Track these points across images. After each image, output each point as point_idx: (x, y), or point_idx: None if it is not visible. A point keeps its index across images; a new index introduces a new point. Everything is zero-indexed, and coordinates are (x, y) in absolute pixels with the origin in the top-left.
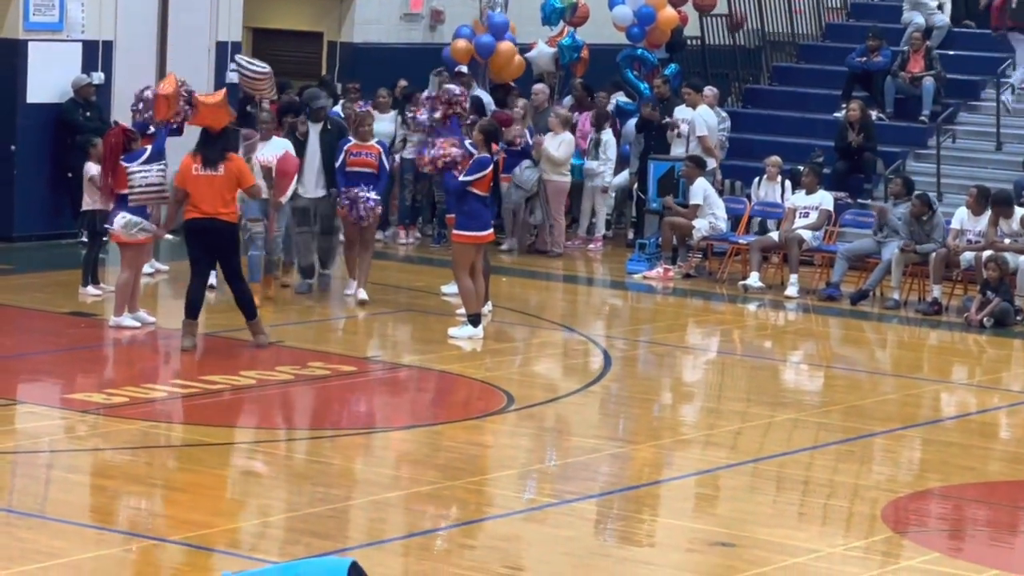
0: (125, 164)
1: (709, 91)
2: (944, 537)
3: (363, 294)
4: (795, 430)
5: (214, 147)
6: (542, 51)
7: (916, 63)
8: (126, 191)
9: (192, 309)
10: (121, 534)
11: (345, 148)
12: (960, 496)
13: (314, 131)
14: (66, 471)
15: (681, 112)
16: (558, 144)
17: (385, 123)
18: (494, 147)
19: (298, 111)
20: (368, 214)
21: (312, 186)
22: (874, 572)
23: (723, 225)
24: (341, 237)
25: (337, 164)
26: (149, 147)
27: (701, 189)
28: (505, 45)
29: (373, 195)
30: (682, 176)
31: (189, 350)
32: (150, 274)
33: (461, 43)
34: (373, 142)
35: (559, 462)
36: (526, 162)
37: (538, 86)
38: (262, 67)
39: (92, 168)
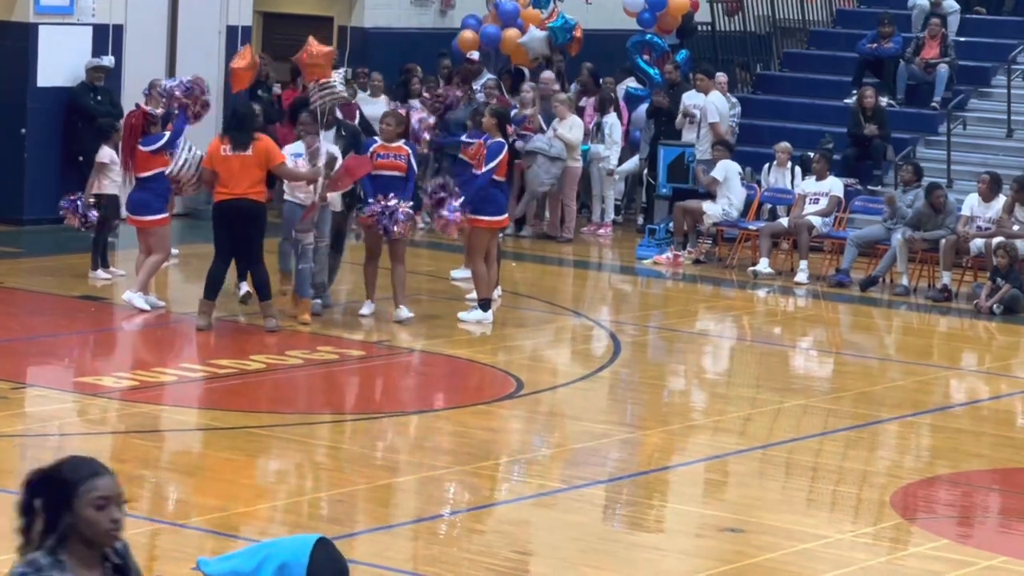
0: (141, 147)
1: (720, 76)
2: (953, 524)
3: (405, 312)
4: (804, 416)
5: (242, 128)
6: (534, 35)
7: (931, 49)
8: (144, 174)
9: (211, 290)
10: (131, 518)
11: (371, 150)
12: (969, 483)
13: (328, 136)
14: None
15: (692, 98)
16: (569, 128)
17: (379, 107)
18: (509, 130)
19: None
20: (402, 229)
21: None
22: (883, 558)
23: (736, 212)
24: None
25: None
26: (168, 133)
27: (724, 168)
28: (513, 32)
29: (407, 207)
30: (713, 158)
31: (204, 330)
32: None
33: (468, 34)
34: (401, 143)
35: (568, 447)
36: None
37: (546, 73)
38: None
39: (105, 153)
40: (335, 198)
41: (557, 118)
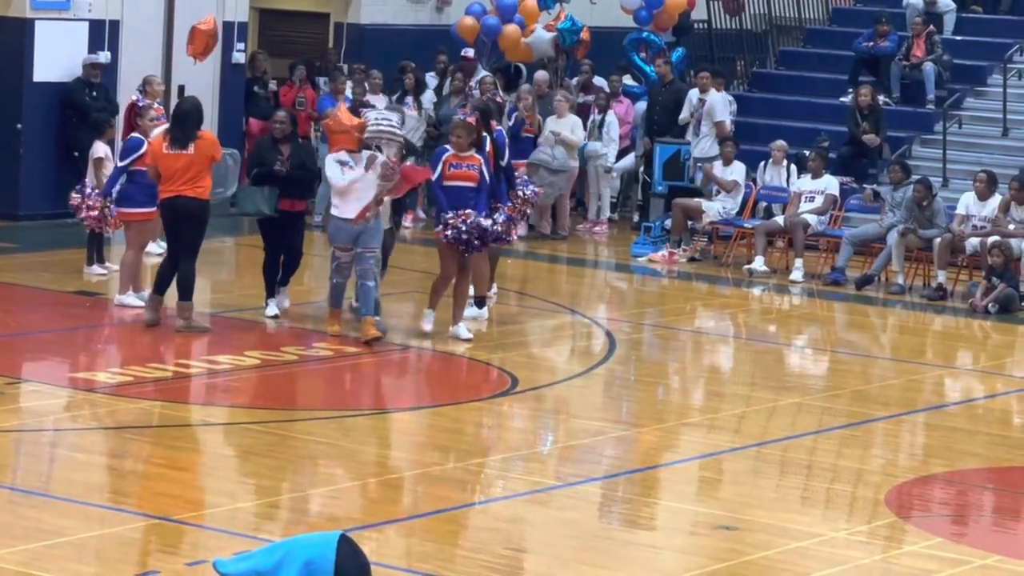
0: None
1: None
2: (947, 522)
3: (465, 331)
4: (799, 414)
5: (183, 126)
6: (540, 36)
7: (919, 48)
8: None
9: (160, 285)
10: (126, 513)
11: (443, 159)
12: (963, 481)
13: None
14: (70, 450)
15: (693, 95)
16: (571, 128)
17: (378, 104)
18: (493, 125)
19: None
20: (492, 242)
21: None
22: (877, 557)
23: (734, 210)
24: None
25: (434, 177)
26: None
27: (741, 169)
28: (511, 28)
29: (496, 219)
30: (723, 156)
31: (152, 325)
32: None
33: (468, 20)
34: (473, 152)
35: (563, 444)
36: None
37: (539, 73)
38: (390, 119)
39: (100, 148)
40: (384, 213)
41: (556, 115)
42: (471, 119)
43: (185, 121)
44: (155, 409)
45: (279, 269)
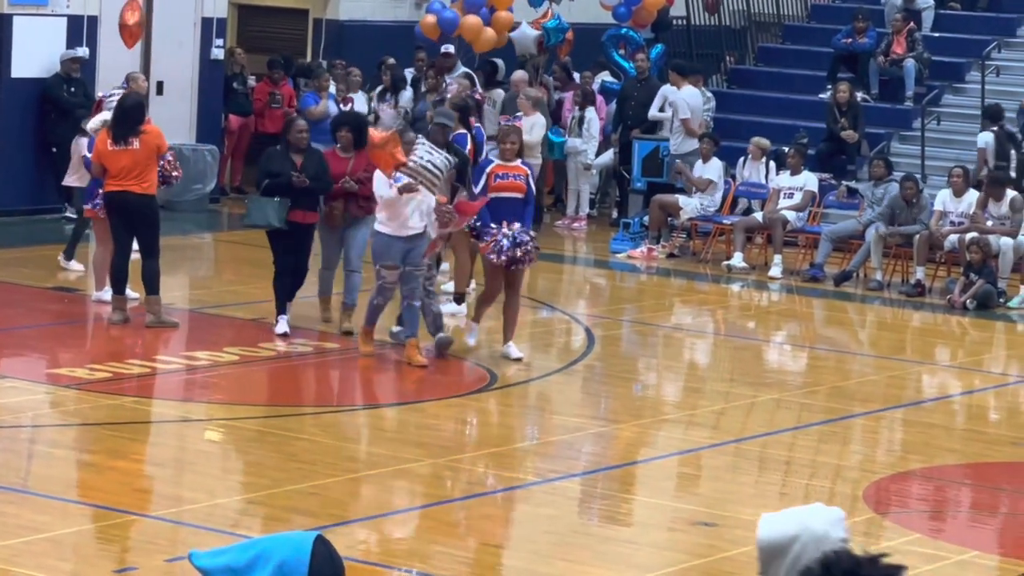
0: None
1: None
2: (925, 518)
3: (516, 351)
4: (778, 410)
5: (125, 122)
6: (526, 33)
7: (899, 45)
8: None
9: (118, 284)
10: (104, 509)
11: (487, 171)
12: (941, 477)
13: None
14: (49, 446)
15: (667, 91)
16: (531, 127)
17: (357, 101)
18: (472, 122)
19: (355, 125)
20: (529, 258)
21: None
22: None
23: (713, 207)
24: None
25: (477, 190)
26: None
27: (717, 166)
28: (472, 19)
29: (532, 234)
30: (701, 153)
31: (118, 324)
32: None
33: (430, 19)
34: (518, 162)
35: (542, 440)
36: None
37: (518, 73)
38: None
39: (83, 144)
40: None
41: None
42: (518, 123)
43: (126, 118)
44: (133, 405)
45: (291, 284)
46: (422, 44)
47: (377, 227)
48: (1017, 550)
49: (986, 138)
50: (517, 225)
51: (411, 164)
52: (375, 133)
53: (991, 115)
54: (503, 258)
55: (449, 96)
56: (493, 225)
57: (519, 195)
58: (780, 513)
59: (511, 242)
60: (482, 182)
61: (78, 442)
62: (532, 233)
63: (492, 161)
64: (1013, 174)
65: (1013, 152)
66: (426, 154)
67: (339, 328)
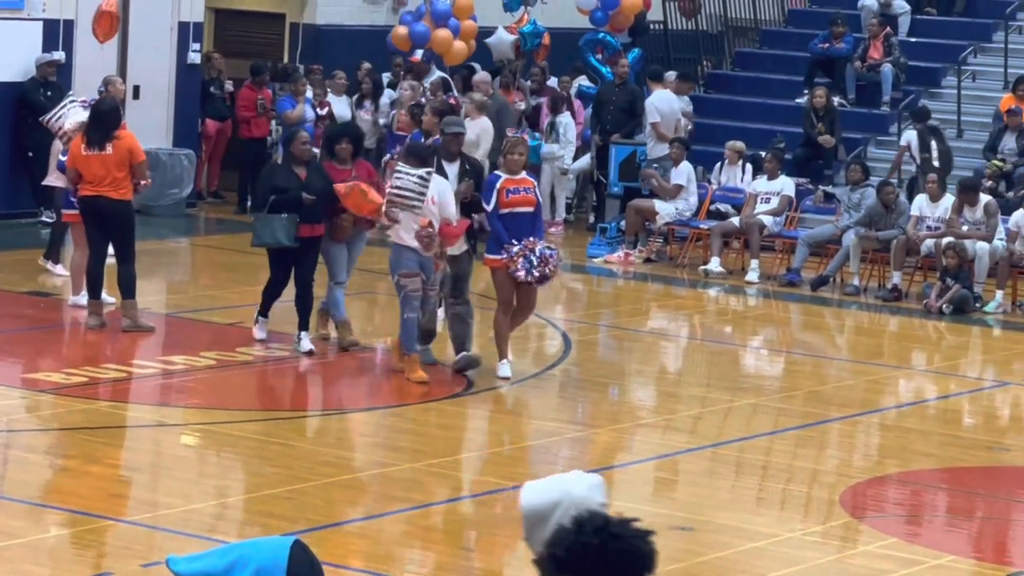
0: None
1: (670, 75)
2: (901, 522)
3: (507, 369)
4: (754, 415)
5: (99, 127)
6: (502, 38)
7: (876, 50)
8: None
9: (94, 289)
10: (80, 514)
11: (497, 187)
12: (917, 482)
13: (451, 171)
14: (25, 451)
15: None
16: (477, 131)
17: (341, 105)
18: None
19: (354, 136)
20: (556, 272)
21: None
22: (832, 557)
23: (689, 212)
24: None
25: (489, 208)
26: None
27: (686, 171)
28: (443, 33)
29: (552, 247)
30: (671, 158)
31: (96, 328)
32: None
33: (401, 29)
34: (524, 174)
35: (518, 445)
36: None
37: (480, 74)
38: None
39: (59, 147)
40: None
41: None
42: (525, 135)
43: (101, 123)
44: (110, 410)
45: (280, 293)
46: (395, 53)
47: (391, 239)
48: (993, 554)
49: (909, 136)
50: (540, 243)
51: (389, 194)
52: (339, 187)
53: (917, 115)
54: (534, 275)
55: (402, 100)
56: (514, 241)
57: (530, 208)
58: (542, 480)
59: (538, 258)
60: (493, 199)
61: (54, 447)
62: (553, 246)
63: (500, 176)
64: (936, 164)
65: (934, 143)
66: (396, 180)
67: (342, 343)
